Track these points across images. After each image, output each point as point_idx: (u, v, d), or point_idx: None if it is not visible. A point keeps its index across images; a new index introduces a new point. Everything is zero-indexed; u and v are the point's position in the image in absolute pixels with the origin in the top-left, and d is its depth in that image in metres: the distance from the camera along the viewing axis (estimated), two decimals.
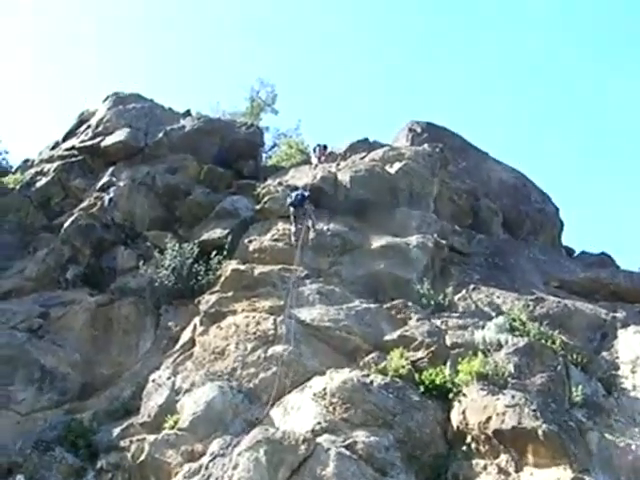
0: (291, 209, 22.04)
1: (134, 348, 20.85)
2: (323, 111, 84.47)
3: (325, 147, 28.56)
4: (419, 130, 30.10)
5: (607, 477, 12.63)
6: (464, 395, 14.82)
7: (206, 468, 14.08)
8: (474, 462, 13.80)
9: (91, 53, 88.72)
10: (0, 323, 20.81)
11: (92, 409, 18.37)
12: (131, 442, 16.22)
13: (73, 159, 28.42)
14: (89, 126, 30.19)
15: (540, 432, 12.96)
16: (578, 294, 21.43)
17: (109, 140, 28.33)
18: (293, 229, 21.60)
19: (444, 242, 22.34)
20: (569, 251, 29.98)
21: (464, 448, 14.15)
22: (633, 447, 13.20)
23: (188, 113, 32.20)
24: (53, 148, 30.72)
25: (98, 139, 28.72)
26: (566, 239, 30.63)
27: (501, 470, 13.32)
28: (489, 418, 13.79)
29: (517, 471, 13.14)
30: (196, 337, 19.05)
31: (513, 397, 13.97)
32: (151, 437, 16.00)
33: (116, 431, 16.87)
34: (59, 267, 23.85)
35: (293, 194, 22.34)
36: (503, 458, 13.46)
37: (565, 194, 76.58)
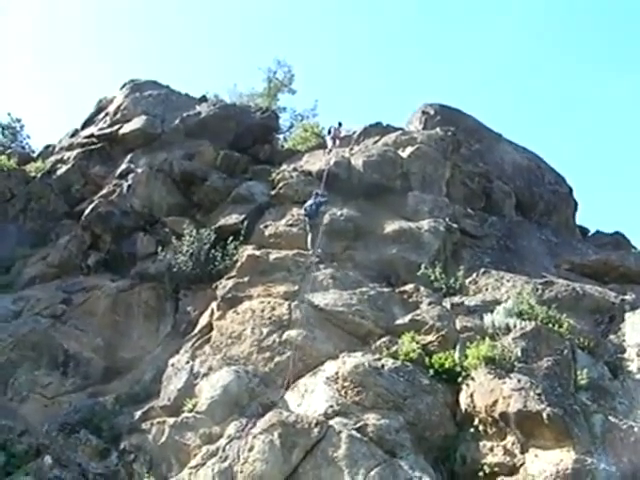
0: (306, 219, 21.86)
1: (154, 332, 21.51)
2: (340, 92, 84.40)
3: (340, 124, 28.81)
4: (432, 112, 30.22)
5: (609, 459, 12.87)
6: (472, 379, 15.16)
7: (223, 450, 14.65)
8: (481, 444, 14.18)
9: (107, 39, 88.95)
10: (25, 310, 21.58)
11: (114, 392, 18.96)
12: (152, 425, 16.82)
13: (92, 147, 29.04)
14: (107, 114, 30.79)
15: (545, 415, 13.26)
16: (589, 276, 21.62)
17: (127, 128, 28.88)
18: (310, 239, 21.46)
19: (456, 226, 22.64)
20: (584, 231, 30.10)
21: (472, 430, 14.51)
22: (636, 429, 13.42)
23: (204, 98, 32.53)
24: (72, 136, 31.35)
25: (116, 127, 29.27)
26: (583, 219, 30.78)
27: (507, 451, 13.70)
28: (496, 401, 14.13)
29: (522, 452, 13.50)
30: (213, 322, 19.52)
31: (519, 381, 14.25)
32: (171, 420, 16.58)
33: (137, 414, 17.46)
34: (81, 253, 24.65)
35: (307, 204, 22.00)
36: (509, 440, 13.82)
37: (581, 172, 75.99)
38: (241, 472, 13.92)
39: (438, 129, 27.44)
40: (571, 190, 30.30)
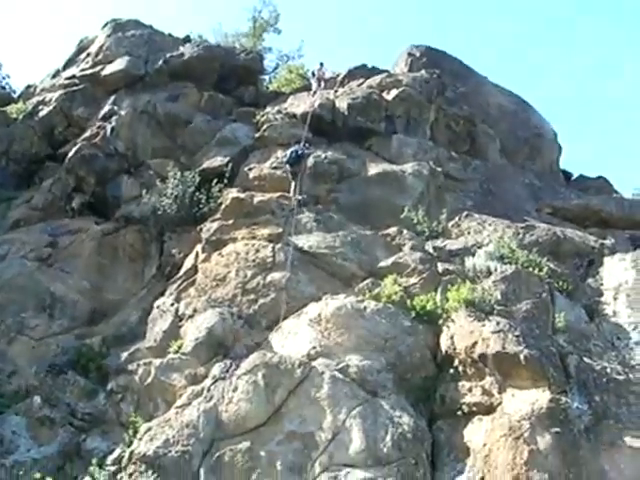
0: (287, 167, 21.66)
1: (139, 275, 21.66)
2: (326, 32, 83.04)
3: (322, 64, 28.76)
4: (418, 54, 30.00)
5: (583, 398, 13.22)
6: (452, 321, 15.44)
7: (208, 390, 14.86)
8: (460, 384, 14.47)
9: None
10: (10, 253, 21.58)
11: (101, 334, 19.12)
12: (138, 365, 17.05)
13: (75, 88, 28.52)
14: (89, 54, 30.25)
15: (522, 356, 13.54)
16: (570, 221, 21.86)
17: (109, 69, 28.45)
18: (292, 187, 21.35)
19: (439, 169, 22.73)
20: (567, 175, 30.25)
21: (452, 371, 14.80)
22: (608, 370, 13.84)
23: (188, 39, 32.04)
24: (54, 76, 30.83)
25: (98, 67, 28.82)
26: (570, 164, 30.85)
27: (485, 391, 14.02)
28: (475, 343, 14.40)
29: (500, 392, 13.80)
30: (198, 264, 19.67)
31: (498, 323, 14.52)
32: (157, 361, 16.83)
33: (124, 355, 17.69)
34: (65, 196, 24.48)
35: (288, 151, 21.78)
36: (487, 380, 14.11)
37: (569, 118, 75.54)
38: (226, 412, 14.19)
39: (423, 71, 27.30)
40: (556, 135, 30.36)
